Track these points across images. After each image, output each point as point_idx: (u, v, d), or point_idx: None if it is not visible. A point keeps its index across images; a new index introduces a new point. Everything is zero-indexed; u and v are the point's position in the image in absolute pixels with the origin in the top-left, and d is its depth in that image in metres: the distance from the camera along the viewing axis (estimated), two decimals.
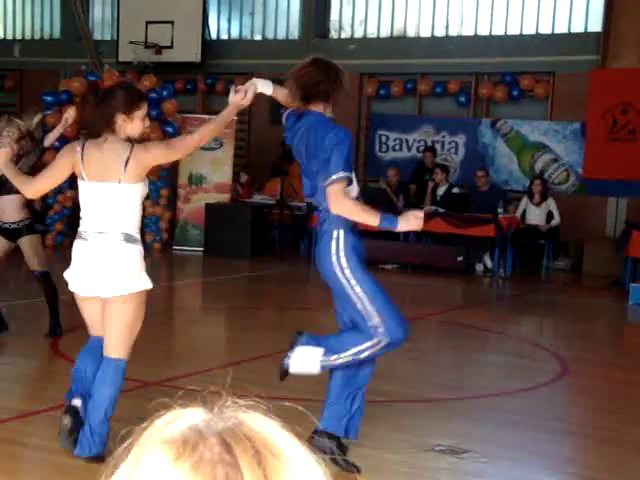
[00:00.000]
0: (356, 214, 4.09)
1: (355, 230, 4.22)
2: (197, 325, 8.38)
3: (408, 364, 6.77)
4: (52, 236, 12.89)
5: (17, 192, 6.34)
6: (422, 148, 14.40)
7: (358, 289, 4.13)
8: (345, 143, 4.08)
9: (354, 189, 4.21)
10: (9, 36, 18.25)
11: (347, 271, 4.14)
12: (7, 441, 4.46)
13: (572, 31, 13.88)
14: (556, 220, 12.25)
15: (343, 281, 4.15)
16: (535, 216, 12.31)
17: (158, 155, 4.19)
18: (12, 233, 6.61)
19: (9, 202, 6.55)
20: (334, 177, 4.03)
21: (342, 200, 4.04)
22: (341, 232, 4.14)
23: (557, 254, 12.87)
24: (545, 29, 14.08)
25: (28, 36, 18.15)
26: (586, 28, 13.80)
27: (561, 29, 13.95)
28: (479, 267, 12.27)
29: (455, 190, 12.62)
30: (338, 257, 4.13)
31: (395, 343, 4.20)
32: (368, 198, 12.99)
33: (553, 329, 9.37)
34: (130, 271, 4.10)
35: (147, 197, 13.53)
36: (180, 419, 0.82)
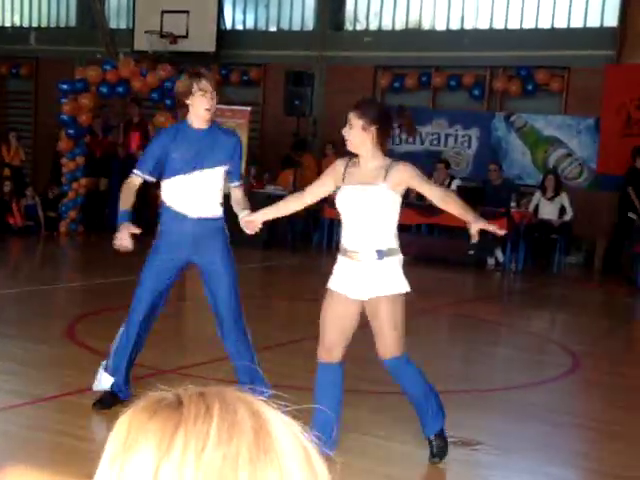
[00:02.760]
0: None
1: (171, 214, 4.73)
2: (210, 314, 8.38)
3: (418, 356, 6.78)
4: (66, 223, 12.94)
5: None
6: (436, 142, 14.39)
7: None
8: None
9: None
10: (25, 24, 18.32)
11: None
12: (20, 425, 4.50)
13: (588, 26, 13.82)
14: (569, 215, 12.22)
15: None
16: (548, 211, 12.28)
17: None
18: None
19: None
20: None
21: None
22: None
23: (569, 249, 12.85)
24: (561, 23, 14.03)
25: (44, 24, 18.20)
26: (602, 23, 13.74)
27: (577, 24, 13.90)
28: (490, 261, 12.26)
29: (457, 182, 12.44)
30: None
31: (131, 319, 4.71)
32: None
33: (564, 324, 9.37)
34: None
35: None
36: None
